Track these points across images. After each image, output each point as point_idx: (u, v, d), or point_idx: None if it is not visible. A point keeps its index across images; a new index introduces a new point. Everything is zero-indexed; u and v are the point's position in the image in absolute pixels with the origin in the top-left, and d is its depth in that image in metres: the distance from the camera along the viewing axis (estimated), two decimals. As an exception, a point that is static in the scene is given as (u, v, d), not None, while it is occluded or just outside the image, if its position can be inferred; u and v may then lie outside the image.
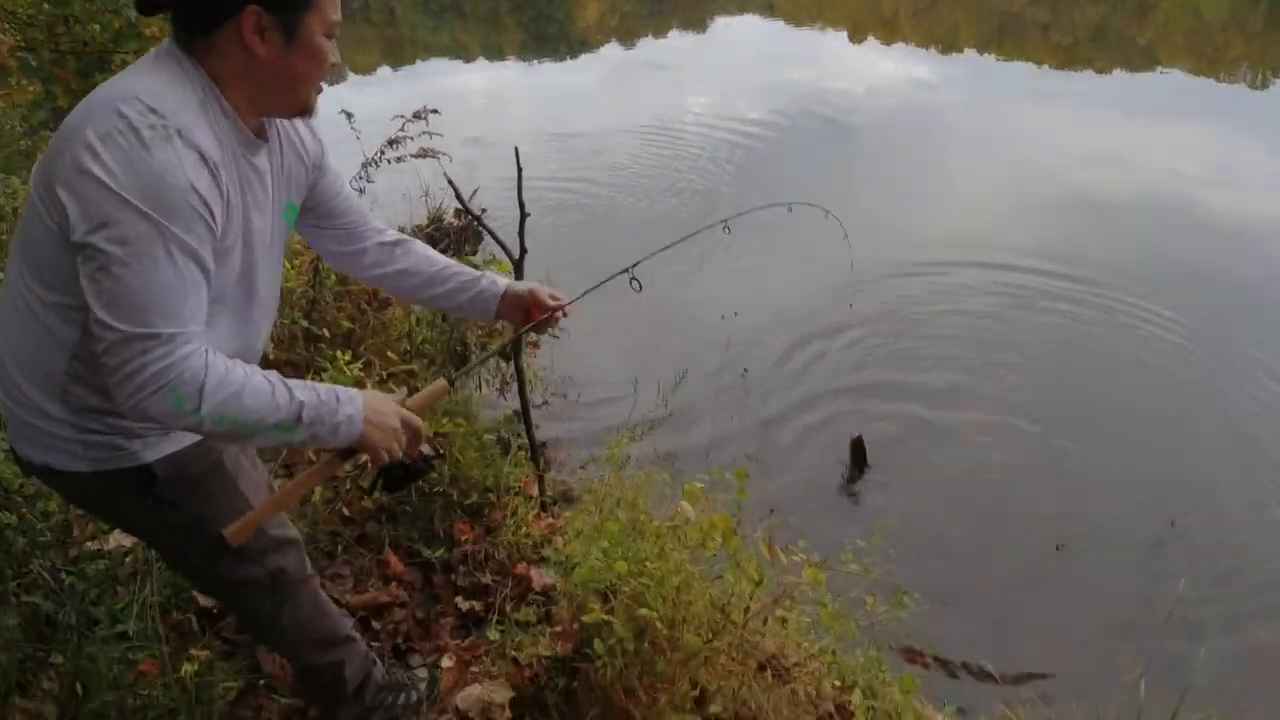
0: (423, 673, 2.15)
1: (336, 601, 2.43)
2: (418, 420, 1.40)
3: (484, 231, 4.45)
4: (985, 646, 2.70)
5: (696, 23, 19.50)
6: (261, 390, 1.19)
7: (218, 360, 1.17)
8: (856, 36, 14.79)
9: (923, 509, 3.47)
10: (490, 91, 11.00)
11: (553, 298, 1.73)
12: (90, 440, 1.33)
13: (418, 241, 1.75)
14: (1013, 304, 5.15)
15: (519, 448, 3.19)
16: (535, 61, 14.94)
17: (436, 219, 4.62)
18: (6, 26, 4.33)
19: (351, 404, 1.30)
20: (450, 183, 2.36)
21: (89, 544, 2.43)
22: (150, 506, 1.43)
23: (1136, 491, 3.61)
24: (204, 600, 2.33)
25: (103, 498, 1.49)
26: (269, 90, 1.27)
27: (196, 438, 1.42)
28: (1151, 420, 4.11)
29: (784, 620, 1.93)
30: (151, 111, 1.13)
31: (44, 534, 2.29)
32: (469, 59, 16.07)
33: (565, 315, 1.75)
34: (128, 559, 2.38)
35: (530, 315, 1.72)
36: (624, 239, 5.96)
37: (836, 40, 15.04)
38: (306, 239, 1.71)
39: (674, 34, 18.23)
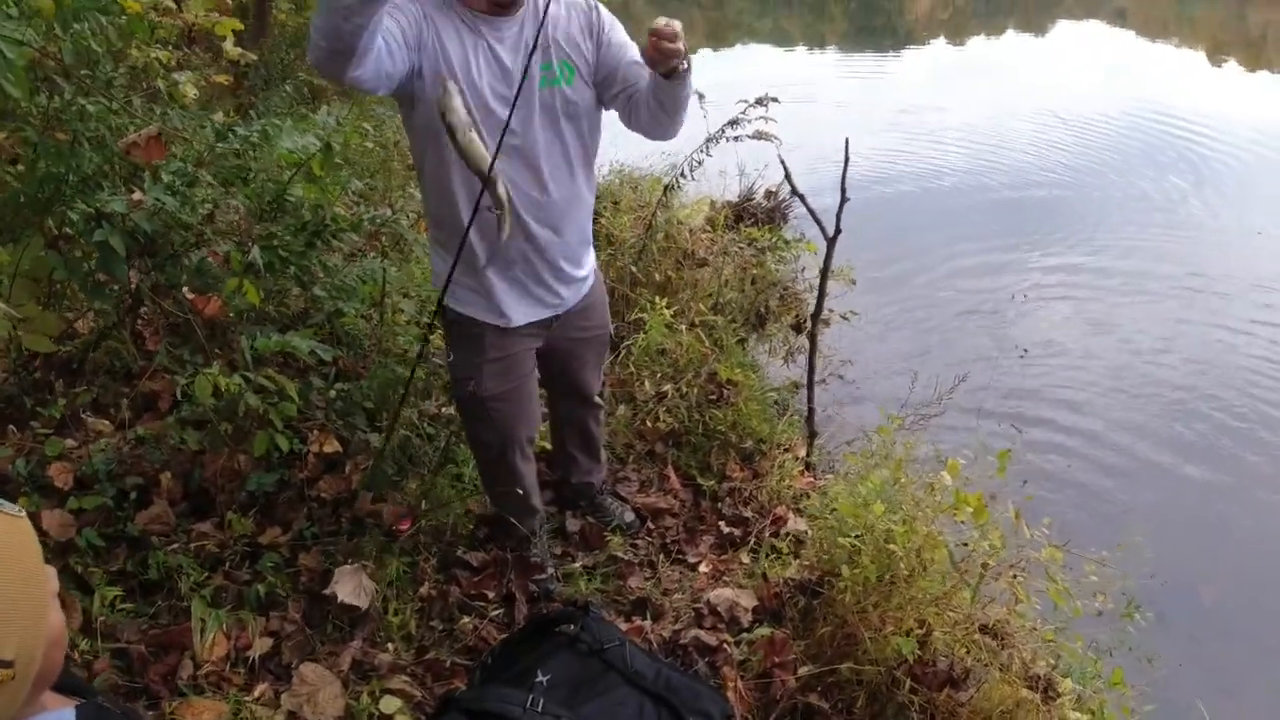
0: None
1: (620, 497, 2.93)
2: None
3: (794, 208, 4.85)
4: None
5: (1035, 25, 18.46)
6: None
7: None
8: (1216, 58, 13.31)
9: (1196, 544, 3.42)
10: (808, 80, 11.29)
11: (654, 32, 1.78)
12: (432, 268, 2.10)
13: None
14: None
15: (793, 413, 3.56)
16: (856, 54, 14.96)
17: (748, 196, 5.04)
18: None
19: None
20: (783, 163, 2.74)
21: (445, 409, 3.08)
22: (447, 332, 2.15)
23: None
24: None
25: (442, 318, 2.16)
26: None
27: (474, 305, 2.04)
28: None
29: (1016, 598, 2.14)
30: None
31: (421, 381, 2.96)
32: (790, 47, 16.35)
33: (667, 42, 1.74)
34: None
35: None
36: (934, 224, 6.21)
37: (1192, 60, 13.58)
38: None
39: (1010, 35, 17.43)
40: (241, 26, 4.49)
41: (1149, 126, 8.76)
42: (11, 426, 2.54)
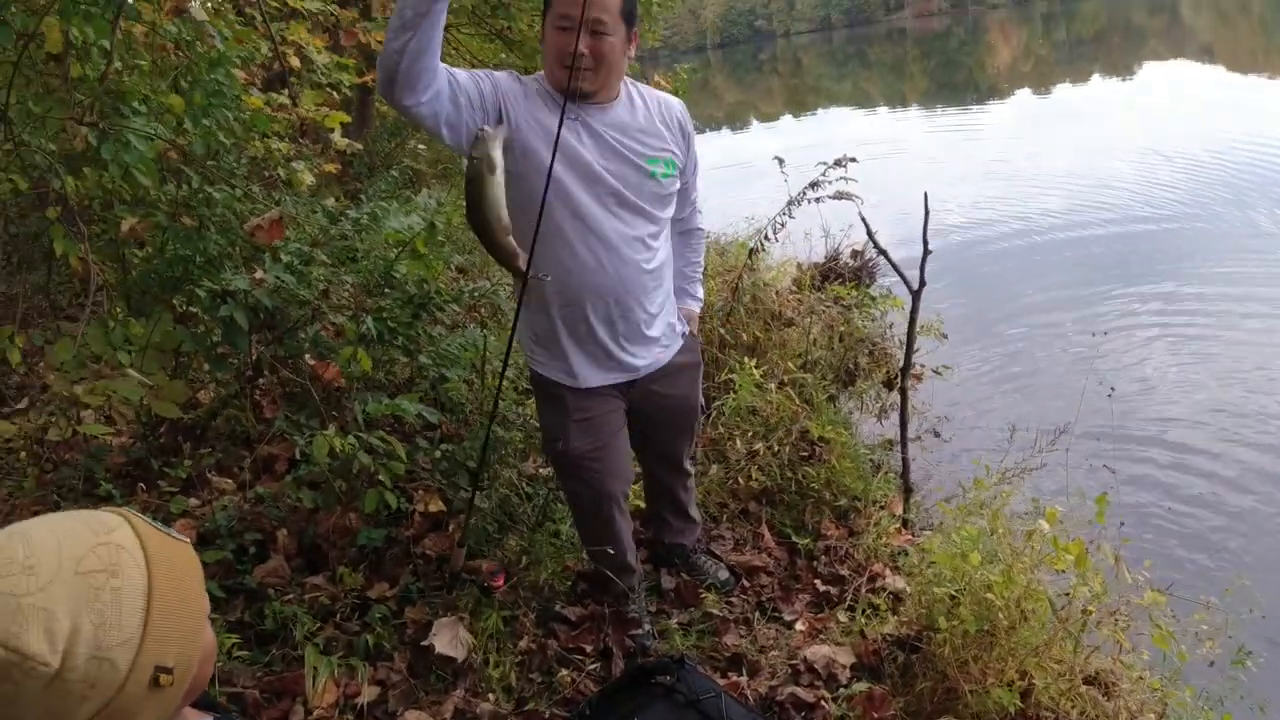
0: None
1: (715, 555, 2.95)
2: None
3: (881, 267, 4.87)
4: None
5: (1122, 68, 18.12)
6: None
7: None
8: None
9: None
10: (892, 137, 11.30)
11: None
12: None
13: (697, 236, 2.37)
14: None
15: (889, 470, 3.53)
16: (939, 109, 14.93)
17: (833, 256, 5.08)
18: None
19: None
20: (864, 220, 2.78)
21: (542, 469, 3.18)
22: (536, 393, 2.23)
23: None
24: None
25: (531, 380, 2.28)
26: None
27: (550, 368, 2.15)
28: None
29: (1120, 646, 2.06)
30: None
31: (518, 443, 3.08)
32: (871, 107, 16.42)
33: None
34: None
35: None
36: (1032, 269, 6.05)
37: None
38: None
39: (1096, 80, 17.14)
40: (348, 119, 4.85)
41: (1263, 161, 8.43)
42: (140, 485, 2.74)
